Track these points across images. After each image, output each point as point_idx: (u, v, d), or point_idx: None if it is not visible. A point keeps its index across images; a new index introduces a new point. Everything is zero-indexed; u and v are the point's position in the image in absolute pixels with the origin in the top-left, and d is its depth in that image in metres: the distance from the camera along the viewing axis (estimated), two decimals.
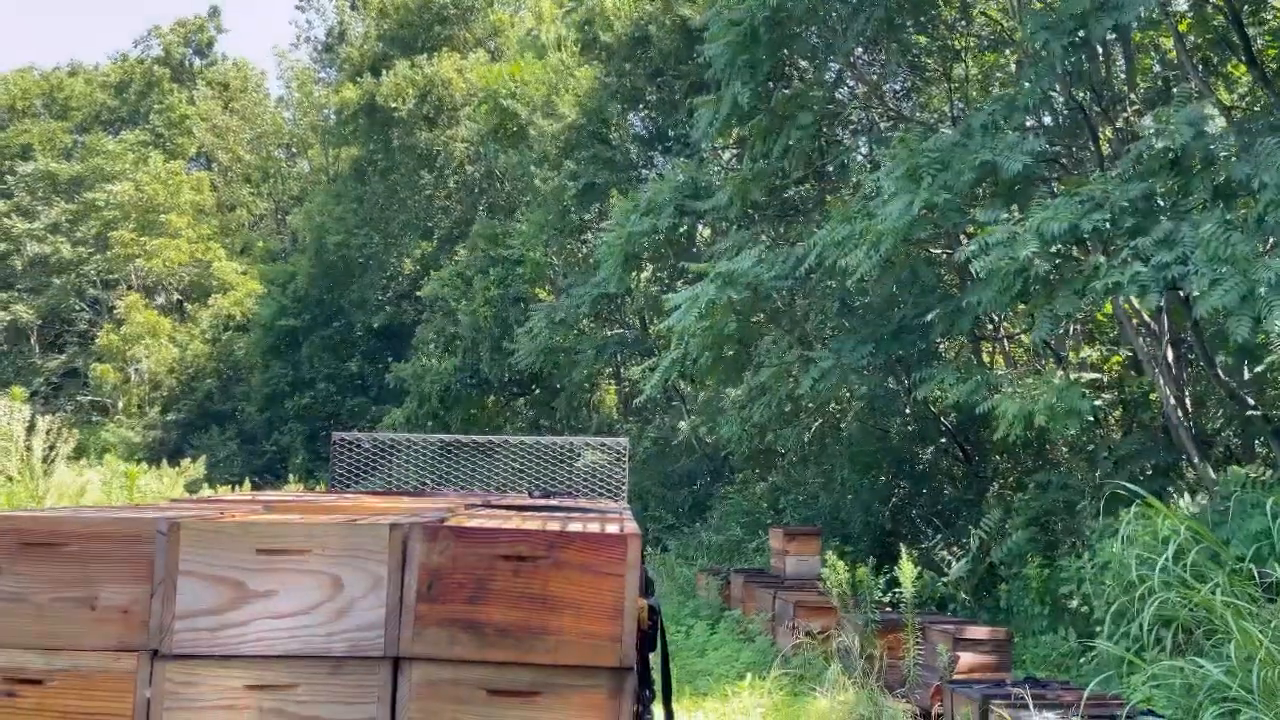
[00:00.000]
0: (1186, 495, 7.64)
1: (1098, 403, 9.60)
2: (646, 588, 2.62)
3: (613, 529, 2.39)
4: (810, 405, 12.63)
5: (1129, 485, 6.41)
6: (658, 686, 2.47)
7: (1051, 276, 7.20)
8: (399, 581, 2.13)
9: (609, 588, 2.14)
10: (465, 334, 19.40)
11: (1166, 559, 5.41)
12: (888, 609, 8.20)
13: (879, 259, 8.10)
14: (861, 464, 12.67)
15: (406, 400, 20.32)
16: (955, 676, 6.54)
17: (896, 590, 7.83)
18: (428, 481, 8.09)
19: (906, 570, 7.11)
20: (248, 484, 19.20)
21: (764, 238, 12.60)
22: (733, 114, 10.98)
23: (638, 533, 2.26)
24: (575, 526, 2.42)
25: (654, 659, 2.40)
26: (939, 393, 9.16)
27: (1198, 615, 5.60)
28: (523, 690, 2.11)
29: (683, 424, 17.22)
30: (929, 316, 9.43)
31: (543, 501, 3.78)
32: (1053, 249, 6.96)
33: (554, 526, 2.36)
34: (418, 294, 23.27)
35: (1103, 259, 6.86)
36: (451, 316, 20.08)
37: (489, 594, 2.11)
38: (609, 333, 18.15)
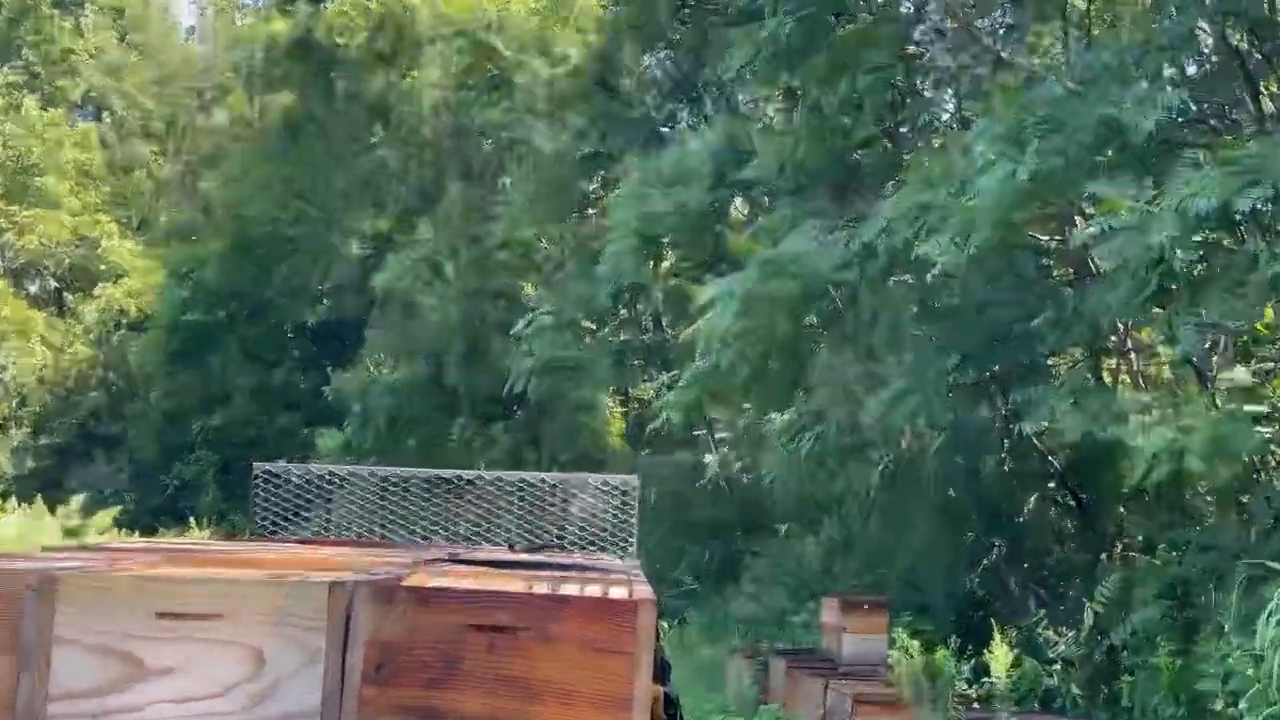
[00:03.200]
0: None
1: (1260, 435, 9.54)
2: (661, 671, 2.61)
3: (619, 593, 2.39)
4: (878, 437, 12.57)
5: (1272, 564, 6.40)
6: None
7: (1197, 271, 7.17)
8: (340, 657, 2.14)
9: (614, 670, 2.14)
10: (430, 337, 19.46)
11: None
12: (975, 705, 8.15)
13: (971, 248, 8.09)
14: (944, 515, 12.60)
15: (349, 421, 20.39)
16: None
17: (987, 681, 7.77)
18: (377, 528, 8.13)
19: (1000, 655, 7.08)
20: (170, 532, 19.29)
21: (820, 216, 12.59)
22: (778, 53, 11.01)
23: (652, 598, 2.26)
24: (570, 589, 2.42)
25: None
26: (1049, 424, 9.12)
27: None
28: None
29: (710, 459, 17.20)
30: (1034, 322, 9.41)
31: (528, 557, 3.78)
32: (1197, 235, 6.94)
33: (542, 589, 2.36)
34: (368, 284, 23.33)
35: (1263, 245, 6.84)
36: (412, 314, 20.15)
37: (457, 676, 2.12)
38: (613, 339, 18.18)
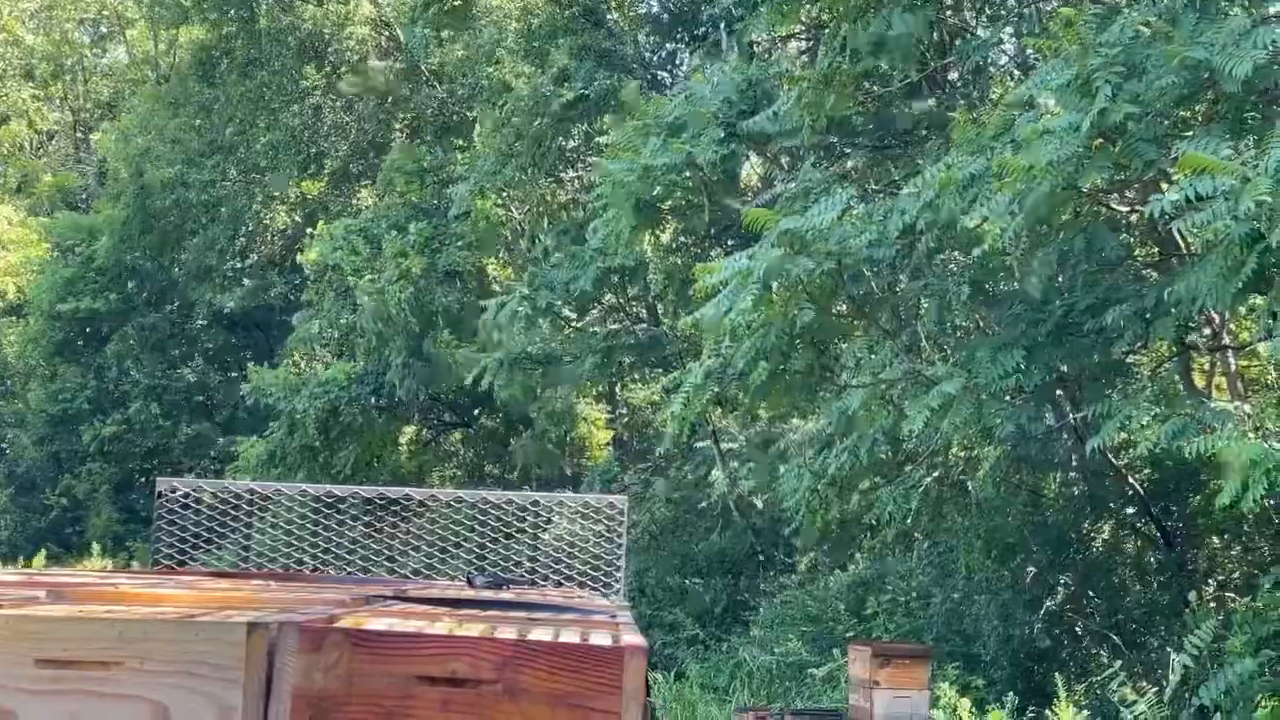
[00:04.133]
0: None
1: None
2: None
3: (601, 639, 2.40)
4: (921, 450, 12.59)
5: None
6: None
7: None
8: (261, 715, 2.14)
9: None
10: (368, 327, 19.45)
11: None
12: None
13: (1028, 215, 8.10)
14: (999, 545, 12.66)
15: (273, 428, 20.38)
16: None
17: None
18: (307, 558, 8.13)
19: (1066, 717, 7.12)
20: (42, 557, 19.22)
21: (853, 181, 12.62)
22: None
23: (642, 645, 2.27)
24: (542, 634, 2.43)
25: None
26: (1126, 435, 9.14)
27: None
28: None
29: (716, 476, 17.24)
30: (1110, 317, 9.44)
31: (491, 595, 3.80)
32: None
33: (508, 633, 2.37)
34: (296, 261, 23.30)
35: None
36: (348, 298, 20.13)
37: None
38: (598, 330, 18.18)
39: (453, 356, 18.49)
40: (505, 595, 3.87)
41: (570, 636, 2.46)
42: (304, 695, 2.16)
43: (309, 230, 22.94)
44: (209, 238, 26.20)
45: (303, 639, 2.18)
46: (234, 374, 26.00)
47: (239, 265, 26.68)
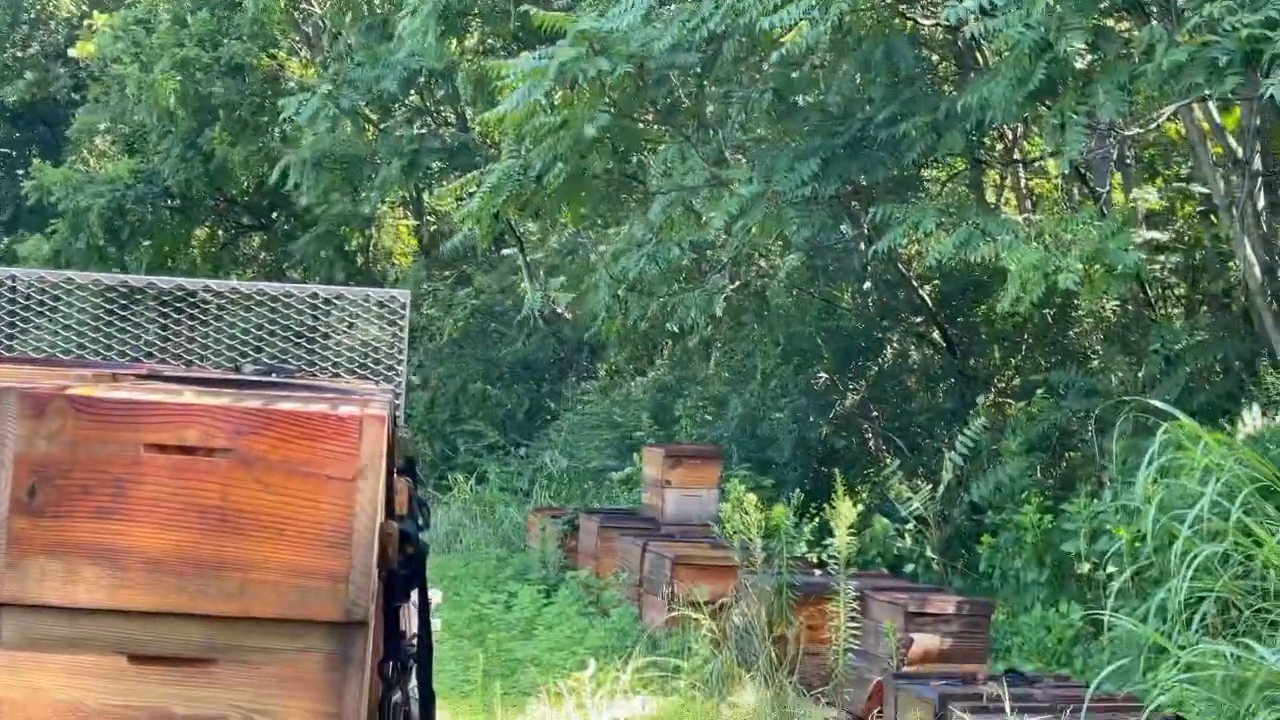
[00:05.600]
0: (1254, 409, 8.17)
1: (1154, 267, 10.10)
2: (412, 510, 2.64)
3: (347, 410, 2.38)
4: (721, 259, 12.78)
5: (1156, 403, 6.84)
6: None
7: (1089, 61, 7.38)
8: None
9: (330, 499, 2.15)
10: (146, 122, 18.66)
11: (1203, 505, 5.82)
12: (814, 569, 8.58)
13: (830, 23, 8.13)
14: (794, 351, 13.00)
15: (57, 226, 19.65)
16: (905, 669, 6.96)
17: (831, 541, 8.17)
18: (89, 354, 7.90)
19: (843, 511, 7.43)
20: None
21: None
22: None
23: (381, 415, 2.26)
24: (283, 405, 2.40)
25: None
26: (911, 244, 9.40)
27: (1254, 583, 6.07)
28: (187, 657, 2.13)
29: (526, 288, 17.21)
30: (905, 125, 9.60)
31: (253, 378, 3.73)
32: (1089, 14, 7.14)
33: (251, 405, 2.34)
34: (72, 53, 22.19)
35: (1163, 31, 7.08)
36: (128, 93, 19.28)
37: (133, 504, 2.10)
38: (404, 134, 17.80)
39: (233, 156, 17.93)
40: (269, 379, 3.81)
41: (317, 409, 2.44)
42: (26, 461, 2.10)
43: (86, 22, 21.81)
44: None
45: (23, 404, 2.12)
46: (18, 171, 24.91)
47: (20, 55, 25.33)
